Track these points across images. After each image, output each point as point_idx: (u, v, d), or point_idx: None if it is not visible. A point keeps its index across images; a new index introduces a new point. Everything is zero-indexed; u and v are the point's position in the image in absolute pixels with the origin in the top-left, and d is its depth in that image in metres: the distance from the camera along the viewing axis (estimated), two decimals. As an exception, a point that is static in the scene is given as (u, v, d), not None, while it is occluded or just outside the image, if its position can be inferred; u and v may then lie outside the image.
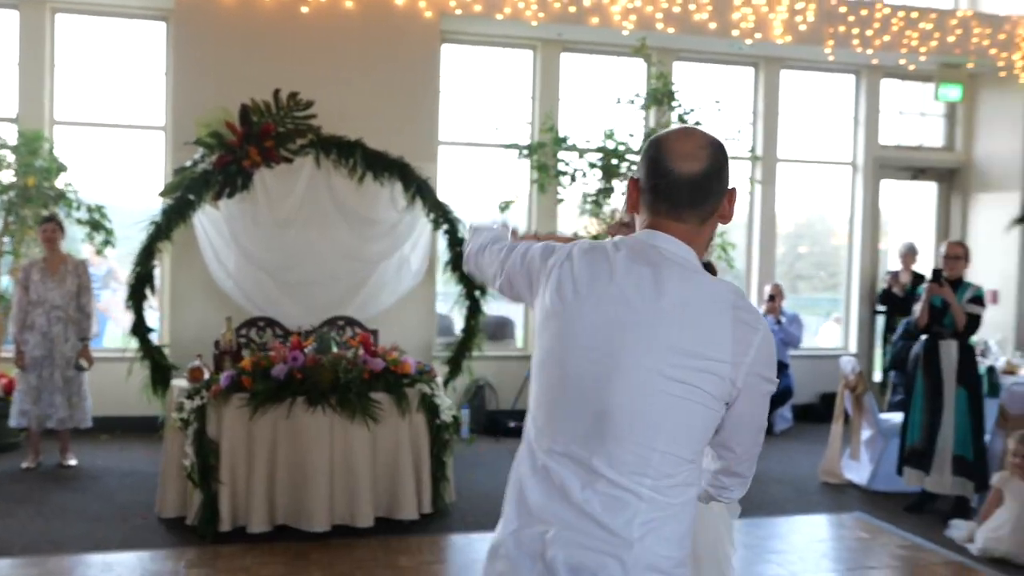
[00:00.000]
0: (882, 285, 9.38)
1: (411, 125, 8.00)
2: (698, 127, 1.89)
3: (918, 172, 10.17)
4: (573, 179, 8.42)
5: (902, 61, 9.28)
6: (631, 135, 8.41)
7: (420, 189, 7.34)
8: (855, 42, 8.89)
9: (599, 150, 8.37)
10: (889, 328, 9.12)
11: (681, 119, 8.23)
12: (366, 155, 7.22)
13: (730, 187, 1.86)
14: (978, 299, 5.96)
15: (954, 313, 5.88)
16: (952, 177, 10.19)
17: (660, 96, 8.41)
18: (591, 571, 1.68)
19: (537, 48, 8.89)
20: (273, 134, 7.01)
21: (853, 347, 9.85)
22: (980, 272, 8.95)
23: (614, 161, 8.30)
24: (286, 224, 7.11)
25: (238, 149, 6.94)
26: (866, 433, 6.78)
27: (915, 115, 10.12)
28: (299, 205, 7.13)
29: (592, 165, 8.37)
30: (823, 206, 10.56)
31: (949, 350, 5.94)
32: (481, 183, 8.93)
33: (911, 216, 10.42)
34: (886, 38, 8.97)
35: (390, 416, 5.41)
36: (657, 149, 1.83)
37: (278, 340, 6.55)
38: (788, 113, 9.54)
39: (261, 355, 5.38)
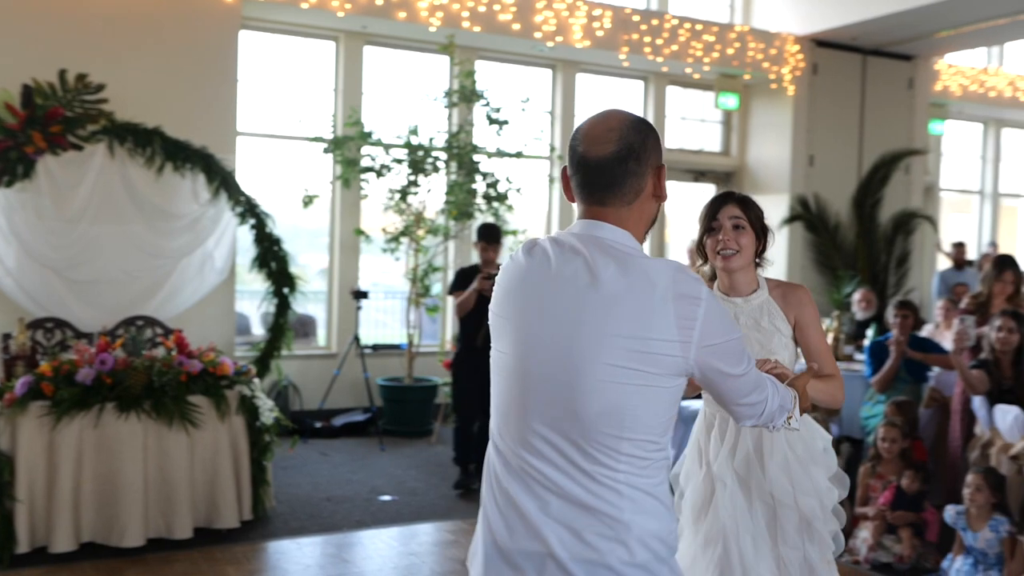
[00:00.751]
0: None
1: (208, 114, 7.58)
2: (618, 110, 1.89)
3: (699, 174, 10.87)
4: (379, 174, 8.32)
5: (688, 70, 9.87)
6: (439, 131, 8.42)
7: (225, 181, 7.00)
8: (647, 50, 9.36)
9: (405, 146, 8.32)
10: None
11: (490, 119, 8.33)
12: (165, 144, 6.80)
13: (658, 164, 1.87)
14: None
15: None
16: (728, 180, 10.96)
17: (467, 94, 8.48)
18: (599, 557, 1.73)
19: (340, 40, 8.71)
20: (60, 119, 6.45)
21: (643, 339, 10.37)
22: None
23: (419, 155, 8.27)
24: (75, 217, 6.56)
25: (19, 133, 6.33)
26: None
27: (696, 121, 10.80)
28: (90, 197, 6.60)
29: (398, 160, 8.31)
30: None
31: (746, 340, 6.39)
32: (282, 176, 8.64)
33: (693, 215, 11.10)
34: (674, 47, 9.50)
35: (208, 420, 5.12)
36: (573, 137, 1.87)
37: (80, 342, 6.03)
38: (584, 115, 9.89)
39: (64, 359, 4.93)
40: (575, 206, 1.92)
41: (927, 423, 6.18)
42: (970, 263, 10.80)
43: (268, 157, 8.59)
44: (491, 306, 1.94)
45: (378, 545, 5.20)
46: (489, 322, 1.96)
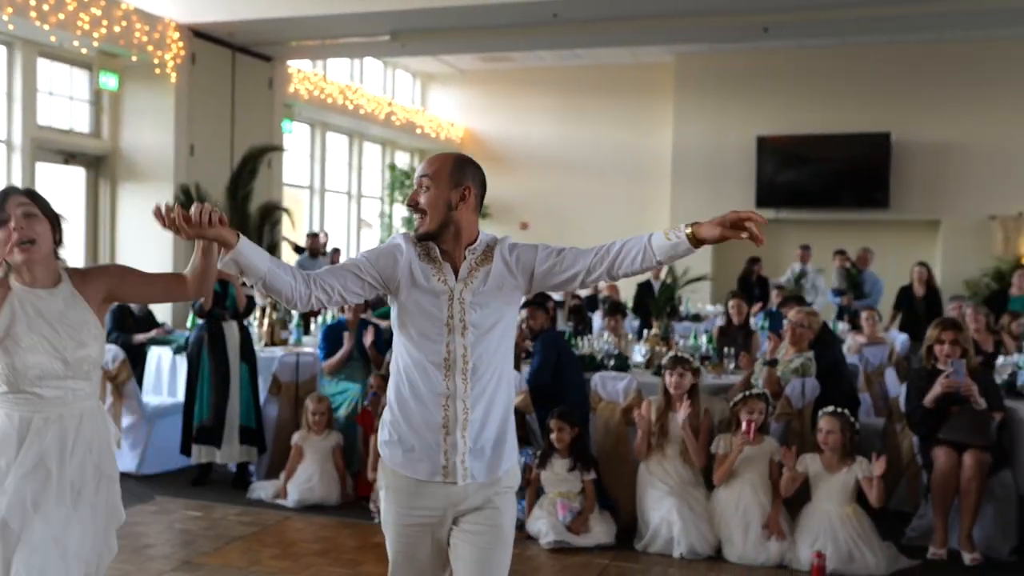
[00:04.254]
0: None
1: None
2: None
3: (69, 156, 10.04)
4: None
5: (75, 43, 9.09)
6: None
7: None
8: (33, 14, 8.37)
9: None
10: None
11: None
12: None
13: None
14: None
15: (237, 296, 6.38)
16: (100, 164, 10.34)
17: None
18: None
19: None
20: None
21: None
22: (131, 258, 9.40)
23: None
24: None
25: None
26: (127, 420, 6.73)
27: (65, 99, 9.94)
28: None
29: None
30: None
31: (232, 330, 6.41)
32: None
33: (63, 200, 10.20)
34: (61, 16, 8.67)
35: None
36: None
37: None
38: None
39: None
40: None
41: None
42: (324, 253, 11.98)
43: None
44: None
45: None
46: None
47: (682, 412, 5.24)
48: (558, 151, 16.32)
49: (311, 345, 7.72)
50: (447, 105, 17.31)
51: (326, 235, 13.64)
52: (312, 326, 8.07)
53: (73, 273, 2.79)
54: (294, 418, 6.67)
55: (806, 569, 4.83)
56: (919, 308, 10.05)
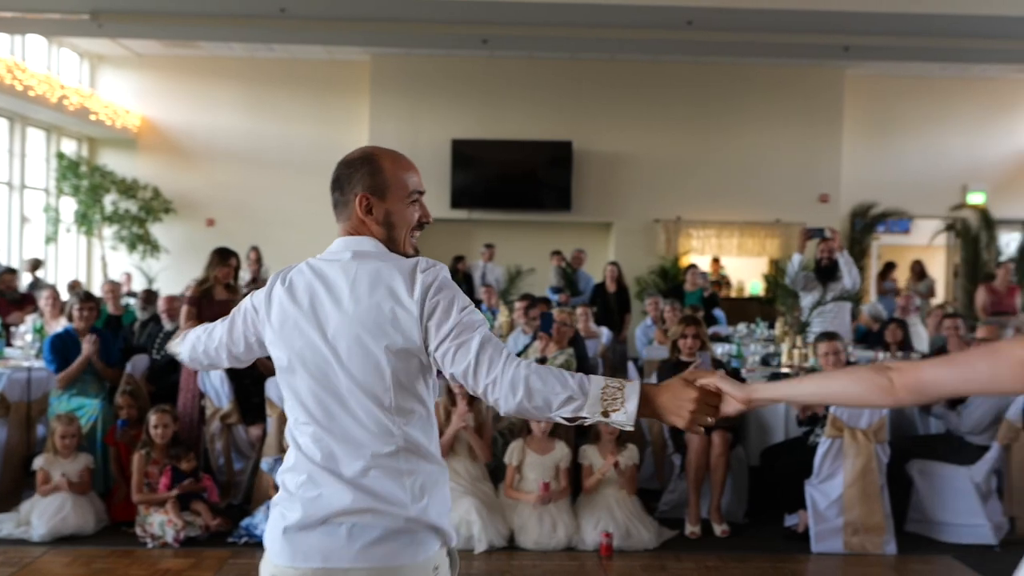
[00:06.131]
0: None
1: None
2: (362, 148, 2.32)
3: None
4: None
5: None
6: None
7: None
8: None
9: None
10: None
11: None
12: None
13: (360, 193, 2.22)
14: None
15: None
16: None
17: None
18: None
19: None
20: None
21: None
22: None
23: None
24: None
25: None
26: None
27: None
28: None
29: None
30: None
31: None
32: None
33: None
34: None
35: None
36: None
37: None
38: None
39: None
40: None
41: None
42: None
43: None
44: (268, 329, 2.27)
45: None
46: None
47: (461, 409, 5.43)
48: (247, 145, 15.72)
49: (14, 358, 6.93)
50: (120, 90, 15.95)
51: None
52: (31, 338, 7.17)
53: None
54: (25, 442, 5.99)
55: (592, 548, 5.26)
56: (611, 303, 11.10)
